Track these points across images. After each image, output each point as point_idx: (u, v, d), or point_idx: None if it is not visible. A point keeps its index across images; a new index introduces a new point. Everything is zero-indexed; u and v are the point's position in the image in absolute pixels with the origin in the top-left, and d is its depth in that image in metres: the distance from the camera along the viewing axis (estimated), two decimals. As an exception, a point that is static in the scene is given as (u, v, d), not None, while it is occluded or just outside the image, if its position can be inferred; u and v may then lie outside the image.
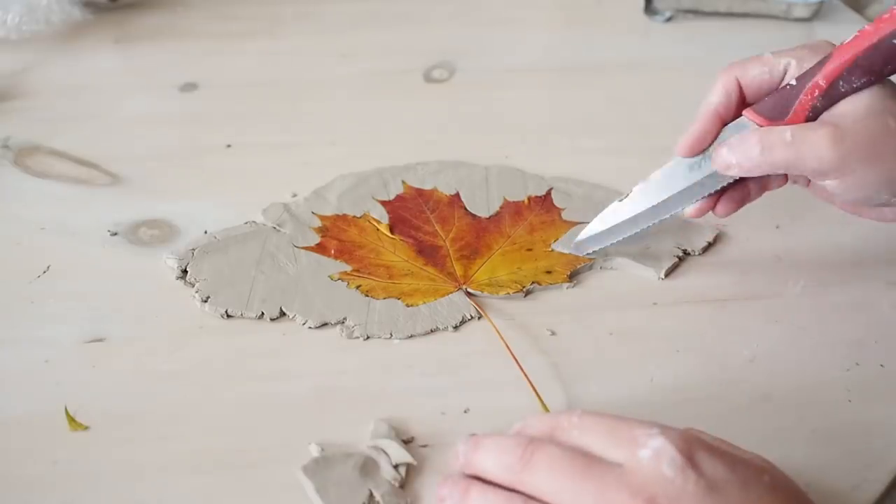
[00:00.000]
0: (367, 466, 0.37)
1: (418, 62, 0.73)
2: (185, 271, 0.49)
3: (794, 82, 0.41)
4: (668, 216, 0.47)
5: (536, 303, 0.48)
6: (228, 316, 0.46)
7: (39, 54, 0.73)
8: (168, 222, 0.53)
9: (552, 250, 0.51)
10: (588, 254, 0.50)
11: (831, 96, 0.40)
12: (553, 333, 0.46)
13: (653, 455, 0.31)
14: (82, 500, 0.37)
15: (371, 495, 0.36)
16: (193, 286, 0.48)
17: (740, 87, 0.43)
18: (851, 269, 0.50)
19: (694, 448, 0.31)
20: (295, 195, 0.56)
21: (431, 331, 0.46)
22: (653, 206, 0.47)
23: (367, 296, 0.47)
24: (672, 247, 0.51)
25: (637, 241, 0.49)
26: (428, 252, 0.51)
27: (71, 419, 0.40)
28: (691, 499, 0.30)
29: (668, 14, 0.80)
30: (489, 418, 0.40)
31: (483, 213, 0.54)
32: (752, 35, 0.77)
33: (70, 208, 0.55)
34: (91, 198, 0.56)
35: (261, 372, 0.43)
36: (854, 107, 0.40)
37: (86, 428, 0.40)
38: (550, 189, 0.56)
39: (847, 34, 0.41)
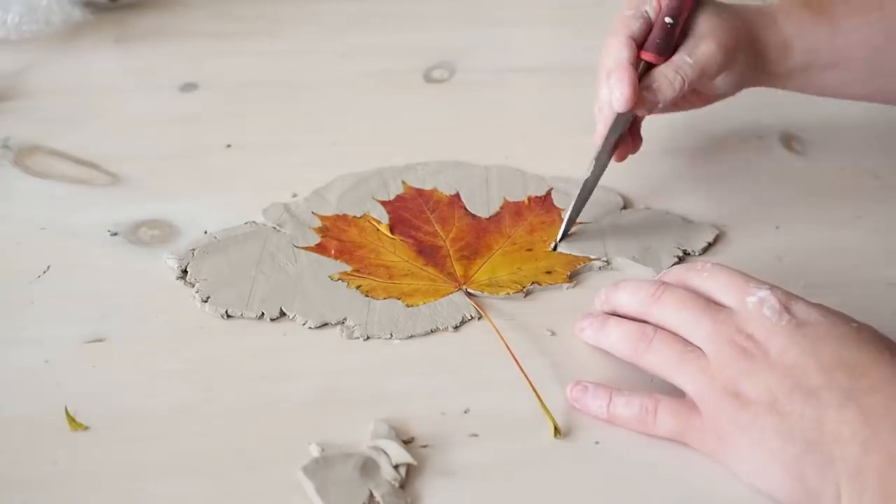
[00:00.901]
0: (367, 466, 0.37)
1: (418, 62, 0.73)
2: (185, 271, 0.49)
3: (669, 20, 0.50)
4: (600, 171, 0.52)
5: (536, 303, 0.48)
6: (228, 316, 0.46)
7: (39, 54, 0.72)
8: (168, 222, 0.53)
9: (552, 250, 0.51)
10: (568, 245, 0.51)
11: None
12: (553, 333, 0.46)
13: (757, 301, 0.38)
14: (82, 500, 0.37)
15: (371, 495, 0.36)
16: (193, 286, 0.48)
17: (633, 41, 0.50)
18: (851, 270, 0.50)
19: (792, 299, 0.39)
20: (295, 195, 0.56)
21: (431, 331, 0.46)
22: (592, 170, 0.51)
23: (367, 296, 0.47)
24: (672, 247, 0.51)
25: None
26: (428, 252, 0.51)
27: (71, 419, 0.40)
28: (783, 332, 0.37)
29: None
30: (489, 418, 0.41)
31: (483, 213, 0.54)
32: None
33: (70, 208, 0.55)
34: (91, 198, 0.56)
35: (261, 372, 0.43)
36: (711, 24, 0.50)
37: (86, 428, 0.40)
38: (550, 189, 0.56)
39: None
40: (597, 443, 0.39)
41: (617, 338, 0.42)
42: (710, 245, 0.51)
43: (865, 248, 0.52)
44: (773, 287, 0.39)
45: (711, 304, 0.40)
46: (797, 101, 0.57)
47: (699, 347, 0.39)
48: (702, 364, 0.38)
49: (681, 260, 0.50)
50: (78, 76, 0.71)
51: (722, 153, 0.60)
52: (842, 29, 0.51)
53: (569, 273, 0.49)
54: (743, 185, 0.57)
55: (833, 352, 0.36)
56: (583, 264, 0.50)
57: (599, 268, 0.50)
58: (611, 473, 0.38)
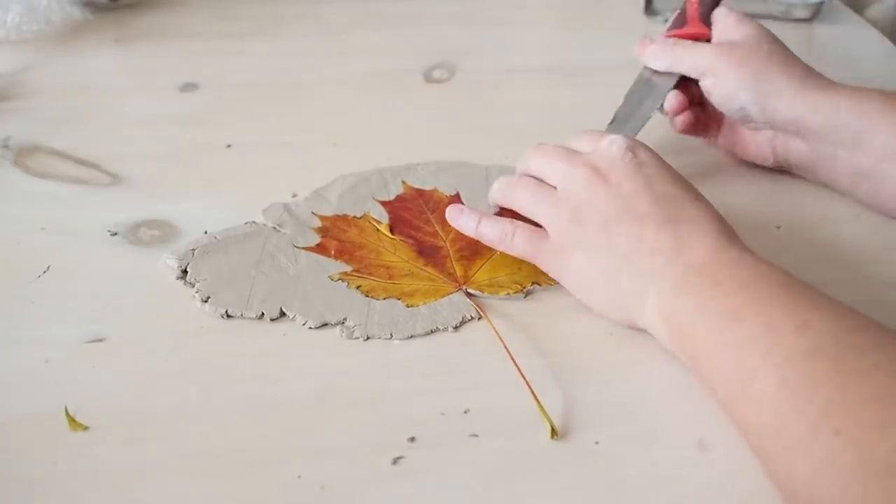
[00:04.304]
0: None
1: (418, 62, 0.73)
2: (185, 271, 0.49)
3: None
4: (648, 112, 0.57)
5: (536, 303, 0.48)
6: (228, 316, 0.46)
7: (39, 54, 0.73)
8: (168, 222, 0.53)
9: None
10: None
11: (705, 3, 0.58)
12: (553, 334, 0.46)
13: (607, 143, 0.45)
14: (82, 500, 0.37)
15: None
16: (193, 286, 0.48)
17: None
18: (851, 270, 0.50)
19: (638, 146, 0.46)
20: (295, 195, 0.56)
21: (431, 331, 0.46)
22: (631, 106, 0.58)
23: (367, 296, 0.47)
24: None
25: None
26: (428, 252, 0.51)
27: (71, 419, 0.40)
28: (624, 168, 0.44)
29: (668, 14, 0.80)
30: (489, 418, 0.40)
31: (483, 213, 0.54)
32: (752, 35, 0.76)
33: (70, 208, 0.55)
34: (91, 198, 0.56)
35: (261, 372, 0.43)
36: (741, 34, 0.55)
37: (86, 428, 0.40)
38: (550, 189, 0.56)
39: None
40: (596, 443, 0.39)
41: (498, 187, 0.49)
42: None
43: (865, 248, 0.52)
44: (624, 136, 0.46)
45: (569, 151, 0.47)
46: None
47: (555, 187, 0.46)
48: (553, 199, 0.45)
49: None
50: (78, 76, 0.71)
51: (722, 153, 0.60)
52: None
53: (569, 273, 0.49)
54: (743, 185, 0.57)
55: (662, 188, 0.43)
56: (583, 264, 0.50)
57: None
58: (610, 473, 0.38)
